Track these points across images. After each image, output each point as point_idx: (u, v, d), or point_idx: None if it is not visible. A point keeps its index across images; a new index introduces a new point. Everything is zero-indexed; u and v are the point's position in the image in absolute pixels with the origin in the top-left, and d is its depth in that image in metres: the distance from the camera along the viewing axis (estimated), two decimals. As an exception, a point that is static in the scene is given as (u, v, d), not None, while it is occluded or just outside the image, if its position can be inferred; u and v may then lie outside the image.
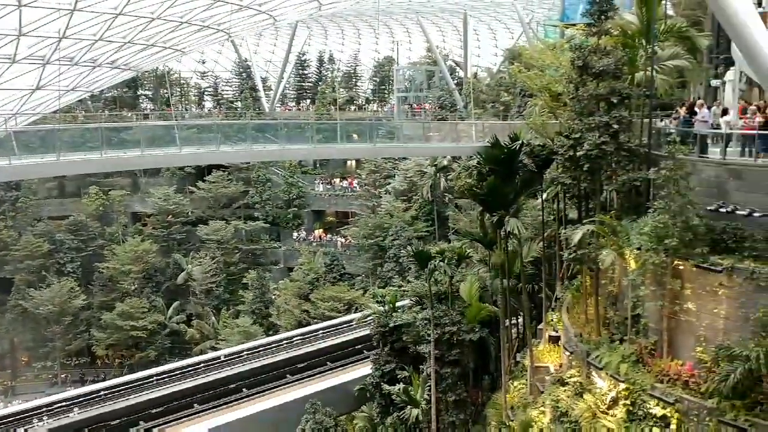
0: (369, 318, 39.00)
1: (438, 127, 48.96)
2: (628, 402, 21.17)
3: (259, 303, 68.56)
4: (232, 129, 40.79)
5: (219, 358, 43.35)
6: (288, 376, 39.51)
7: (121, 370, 67.04)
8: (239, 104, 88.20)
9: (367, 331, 40.02)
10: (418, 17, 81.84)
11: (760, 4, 26.99)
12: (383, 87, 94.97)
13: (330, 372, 40.38)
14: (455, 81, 79.35)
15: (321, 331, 47.24)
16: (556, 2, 56.00)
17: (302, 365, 40.82)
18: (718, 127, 23.29)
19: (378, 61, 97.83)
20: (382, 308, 36.89)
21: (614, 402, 21.82)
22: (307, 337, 46.23)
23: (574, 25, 40.49)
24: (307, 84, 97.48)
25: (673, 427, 19.80)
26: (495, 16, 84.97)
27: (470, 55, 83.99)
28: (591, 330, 25.30)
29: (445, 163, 58.61)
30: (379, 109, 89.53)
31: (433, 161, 60.35)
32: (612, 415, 21.73)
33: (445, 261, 31.87)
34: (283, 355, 42.56)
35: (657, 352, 21.79)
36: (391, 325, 35.67)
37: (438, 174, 60.62)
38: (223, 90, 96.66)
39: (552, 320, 30.06)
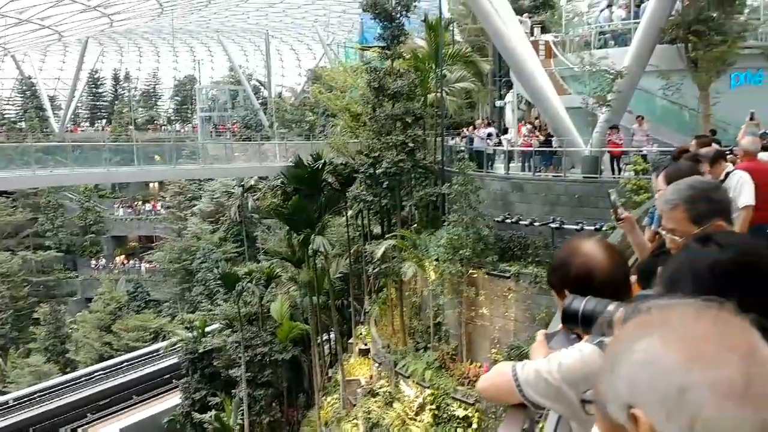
0: (177, 345, 37.48)
1: (243, 148, 48.42)
2: (433, 406, 22.25)
3: (54, 339, 62.93)
4: (15, 152, 37.38)
5: (7, 403, 39.30)
6: (89, 415, 36.79)
7: None
8: (24, 125, 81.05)
9: (176, 359, 38.41)
10: (219, 36, 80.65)
11: (532, 33, 29.86)
12: (185, 106, 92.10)
13: (137, 406, 38.20)
14: (260, 101, 79.00)
15: (125, 364, 44.53)
16: (355, 24, 57.82)
17: (105, 401, 38.22)
18: (500, 144, 25.35)
19: (179, 80, 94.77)
20: (190, 334, 35.66)
21: (421, 408, 22.84)
22: (110, 371, 43.35)
23: (371, 47, 42.13)
24: (102, 103, 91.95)
25: (474, 426, 21.11)
26: (297, 37, 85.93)
27: (274, 74, 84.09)
28: (398, 340, 26.30)
29: (252, 182, 58.02)
30: (182, 129, 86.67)
31: (240, 181, 59.50)
32: (420, 421, 22.73)
33: (254, 282, 31.56)
34: (82, 393, 39.52)
35: (458, 356, 23.15)
36: (201, 350, 34.58)
37: (246, 194, 59.82)
38: (3, 109, 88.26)
39: (361, 333, 30.83)
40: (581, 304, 2.03)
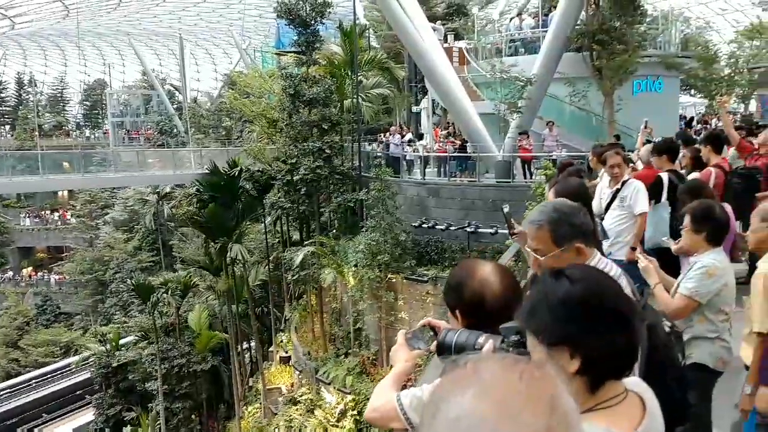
0: (90, 360, 36.13)
1: (158, 154, 47.16)
2: (355, 412, 22.28)
3: (-44, 357, 59.69)
4: None
5: None
6: (-5, 437, 35.05)
7: None
8: None
9: (89, 374, 37.03)
10: (130, 39, 78.29)
11: (446, 40, 30.41)
12: (96, 111, 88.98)
13: (47, 424, 36.59)
14: (175, 105, 77.14)
15: (33, 381, 42.56)
16: (272, 29, 57.32)
17: (12, 421, 36.42)
18: (415, 150, 25.69)
19: (88, 84, 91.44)
20: (103, 348, 34.44)
21: (343, 414, 22.83)
22: (17, 390, 41.34)
23: (288, 52, 41.89)
24: (4, 108, 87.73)
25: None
26: (212, 41, 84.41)
27: (189, 79, 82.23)
28: (318, 347, 26.23)
29: (168, 189, 56.61)
30: (93, 136, 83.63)
31: (155, 188, 57.95)
32: (342, 427, 22.71)
33: (170, 292, 30.78)
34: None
35: (378, 361, 23.28)
36: (115, 364, 33.45)
37: (161, 201, 58.30)
38: None
39: (282, 341, 30.57)
40: (454, 336, 2.12)
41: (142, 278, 38.78)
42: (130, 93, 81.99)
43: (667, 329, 2.63)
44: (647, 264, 4.43)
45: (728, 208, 5.92)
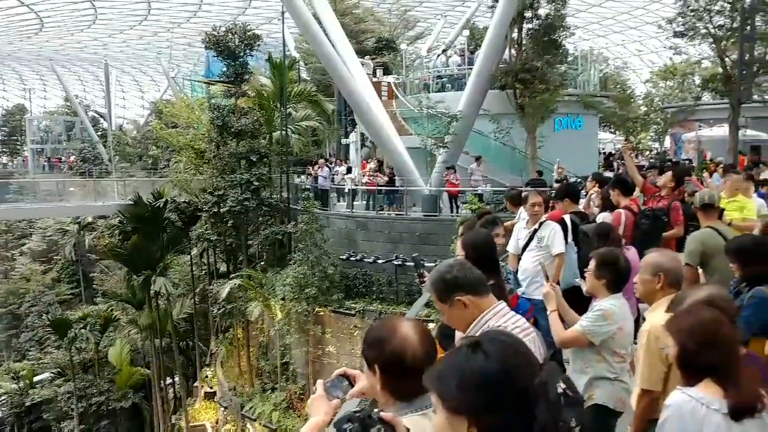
0: (1, 399, 34.34)
1: (79, 183, 45.72)
2: (281, 448, 21.93)
3: None
4: None
5: None
6: None
7: None
8: None
9: (0, 414, 35.14)
10: (53, 65, 76.10)
11: (375, 74, 30.86)
12: (14, 138, 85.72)
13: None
14: (99, 133, 75.12)
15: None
16: (201, 57, 56.83)
17: None
18: (342, 182, 25.83)
19: (6, 109, 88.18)
20: (16, 386, 32.81)
21: (269, 450, 22.42)
22: None
23: (217, 82, 41.59)
24: None
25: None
26: (140, 68, 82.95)
27: (114, 106, 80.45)
28: (245, 382, 25.75)
29: (90, 219, 54.85)
30: (10, 163, 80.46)
31: (76, 218, 56.04)
32: (267, 464, 22.29)
33: (88, 327, 29.69)
34: None
35: (305, 396, 22.97)
36: (29, 403, 31.92)
37: (82, 232, 56.38)
38: None
39: (207, 376, 29.82)
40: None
41: (60, 312, 37.34)
42: (52, 119, 79.50)
43: (560, 390, 2.74)
44: (549, 290, 4.65)
45: (633, 252, 6.22)
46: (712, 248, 6.28)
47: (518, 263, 7.23)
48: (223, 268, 31.58)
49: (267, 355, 26.15)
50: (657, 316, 3.74)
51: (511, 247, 7.47)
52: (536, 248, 7.11)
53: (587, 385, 4.38)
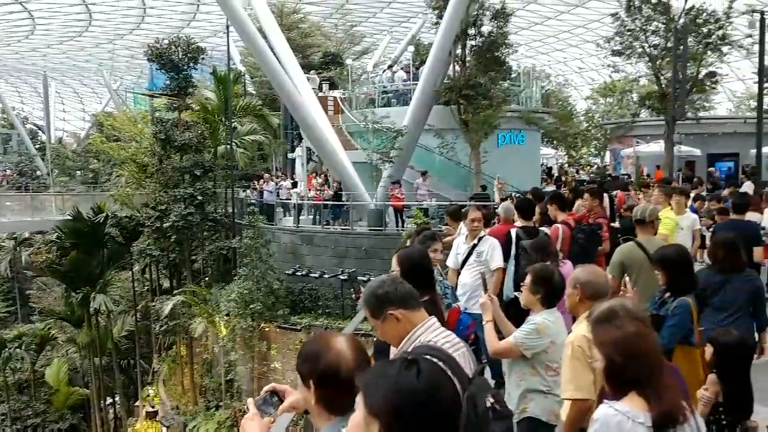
0: (-70, 424, 32.84)
1: (17, 198, 44.26)
2: (225, 468, 21.55)
3: None
4: None
5: None
6: None
7: None
8: None
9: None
10: (-12, 76, 73.88)
11: (321, 89, 30.90)
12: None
13: None
14: (37, 146, 72.98)
15: None
16: (145, 70, 55.95)
17: None
18: (290, 197, 25.72)
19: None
20: (-55, 410, 31.43)
21: (213, 470, 22.01)
22: None
23: (161, 95, 41.00)
24: None
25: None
26: (81, 80, 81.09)
27: (53, 118, 78.29)
28: (188, 400, 25.27)
29: (27, 234, 53.14)
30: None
31: (12, 234, 54.21)
32: (211, 484, 21.86)
33: (23, 346, 28.69)
34: None
35: (250, 413, 22.67)
36: (-40, 428, 30.60)
37: (19, 247, 54.56)
38: None
39: (149, 395, 29.12)
40: None
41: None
42: (-13, 131, 76.96)
43: (488, 404, 2.80)
44: (486, 301, 4.75)
45: (569, 267, 6.37)
46: (631, 261, 6.59)
47: (458, 278, 7.32)
48: (166, 284, 30.99)
49: (211, 372, 25.71)
50: (580, 328, 3.85)
51: (451, 262, 7.56)
52: (475, 263, 7.21)
53: (521, 397, 4.47)
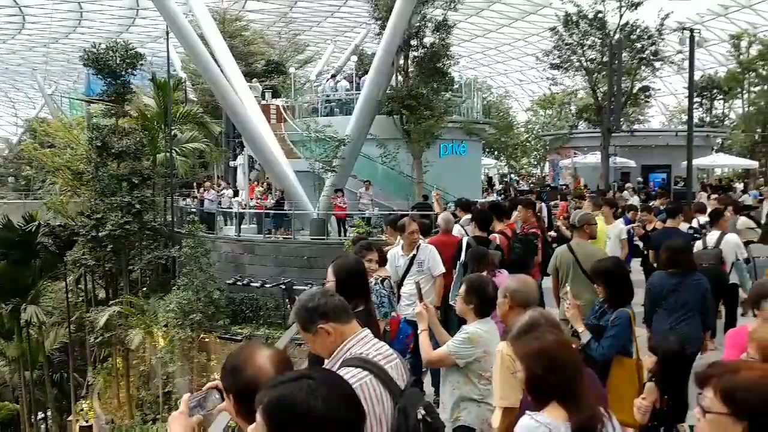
0: None
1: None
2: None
3: None
4: None
5: None
6: None
7: None
8: None
9: None
10: None
11: (263, 97, 30.68)
12: None
13: None
14: (-34, 152, 70.31)
15: None
16: (81, 74, 54.49)
17: None
18: (231, 206, 25.42)
19: None
20: None
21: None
22: None
23: (98, 100, 39.98)
24: None
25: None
26: (13, 84, 78.47)
27: (-16, 123, 75.58)
28: (124, 414, 24.63)
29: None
30: None
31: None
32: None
33: (-53, 361, 27.48)
34: None
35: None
36: None
37: (-56, 257, 52.31)
38: None
39: (83, 409, 28.21)
40: None
41: None
42: None
43: (419, 416, 2.82)
44: (421, 310, 4.78)
45: (505, 276, 6.48)
46: (560, 262, 7.30)
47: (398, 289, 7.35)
48: (102, 294, 30.13)
49: (148, 384, 25.13)
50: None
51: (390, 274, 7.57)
52: (417, 272, 7.27)
53: (454, 406, 4.52)
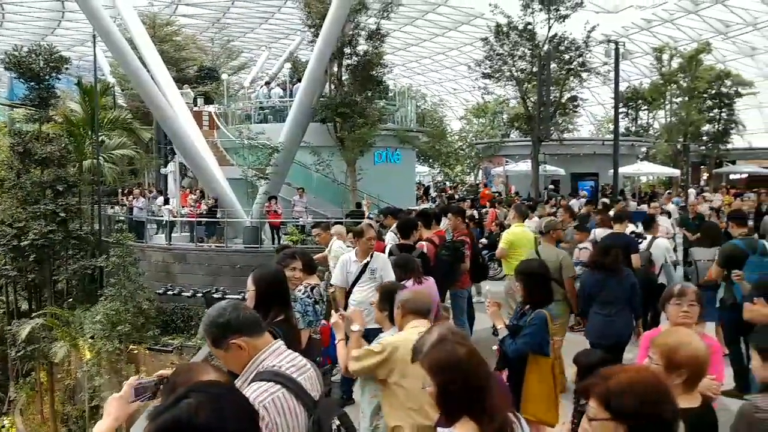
0: None
1: None
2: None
3: None
4: None
5: None
6: None
7: None
8: None
9: None
10: None
11: (195, 104, 30.20)
12: None
13: None
14: None
15: None
16: (3, 78, 52.47)
17: None
18: (161, 214, 24.89)
19: None
20: None
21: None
22: None
23: (20, 105, 38.59)
24: None
25: None
26: (-70, 86, 74.96)
27: None
28: (48, 430, 23.73)
29: None
30: None
31: None
32: None
33: None
34: None
35: (117, 440, 21.61)
36: None
37: None
38: None
39: (4, 426, 27.10)
40: None
41: None
42: None
43: (334, 427, 2.83)
44: (337, 320, 4.71)
45: (431, 282, 6.56)
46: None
47: (347, 296, 7.30)
48: (25, 306, 29.00)
49: (74, 399, 24.28)
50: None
51: (339, 281, 7.47)
52: (369, 280, 7.19)
53: (373, 414, 4.53)
